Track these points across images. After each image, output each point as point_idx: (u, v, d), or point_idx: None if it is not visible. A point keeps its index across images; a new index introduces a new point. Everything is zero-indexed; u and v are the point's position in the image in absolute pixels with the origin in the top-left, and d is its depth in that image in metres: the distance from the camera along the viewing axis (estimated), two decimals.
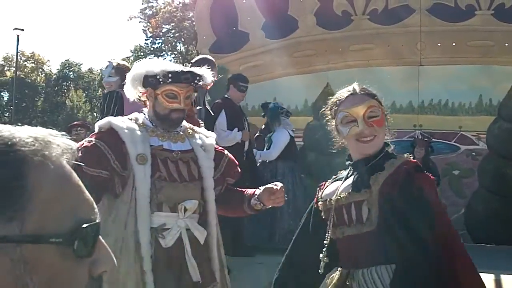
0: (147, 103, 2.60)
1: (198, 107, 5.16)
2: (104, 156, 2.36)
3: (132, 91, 2.61)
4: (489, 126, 7.85)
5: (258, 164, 6.71)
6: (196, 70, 2.60)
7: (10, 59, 36.77)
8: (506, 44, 7.90)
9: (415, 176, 1.99)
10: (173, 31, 29.90)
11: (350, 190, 2.08)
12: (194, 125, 4.14)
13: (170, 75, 2.50)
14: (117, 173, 2.38)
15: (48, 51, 74.79)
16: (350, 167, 2.20)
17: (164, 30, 30.02)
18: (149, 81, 2.52)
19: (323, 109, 2.28)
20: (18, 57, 31.26)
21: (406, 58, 8.19)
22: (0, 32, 67.06)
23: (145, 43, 32.85)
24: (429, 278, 1.82)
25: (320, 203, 2.22)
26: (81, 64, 39.75)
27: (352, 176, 2.13)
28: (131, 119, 2.57)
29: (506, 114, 7.74)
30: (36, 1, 71.27)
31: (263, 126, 7.18)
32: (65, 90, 38.05)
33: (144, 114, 2.61)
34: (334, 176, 2.29)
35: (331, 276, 2.11)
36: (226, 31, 9.11)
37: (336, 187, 2.17)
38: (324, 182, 2.30)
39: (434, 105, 8.14)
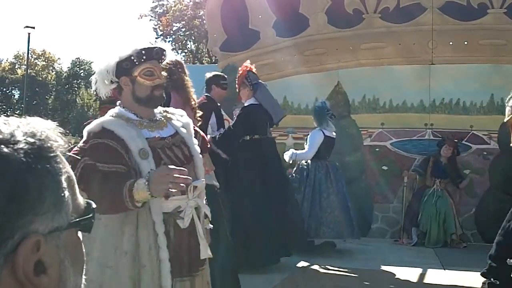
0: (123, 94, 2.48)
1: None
2: (116, 151, 2.30)
3: (104, 89, 2.47)
4: (501, 126, 7.77)
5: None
6: (161, 45, 2.50)
7: (21, 57, 36.98)
8: None
9: None
10: (183, 29, 29.90)
11: None
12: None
13: (144, 52, 2.40)
14: (130, 167, 2.32)
15: (59, 49, 75.00)
16: None
17: (174, 28, 30.02)
18: (123, 67, 2.40)
19: None
20: (29, 55, 31.41)
21: (417, 57, 8.14)
22: (11, 30, 67.47)
23: (155, 42, 32.95)
24: None
25: None
26: (91, 62, 39.66)
27: None
28: (113, 116, 2.47)
29: None
30: None
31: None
32: (76, 88, 38.15)
33: (120, 106, 2.50)
34: None
35: None
36: (237, 29, 9.10)
37: None
38: None
39: (446, 104, 8.09)
